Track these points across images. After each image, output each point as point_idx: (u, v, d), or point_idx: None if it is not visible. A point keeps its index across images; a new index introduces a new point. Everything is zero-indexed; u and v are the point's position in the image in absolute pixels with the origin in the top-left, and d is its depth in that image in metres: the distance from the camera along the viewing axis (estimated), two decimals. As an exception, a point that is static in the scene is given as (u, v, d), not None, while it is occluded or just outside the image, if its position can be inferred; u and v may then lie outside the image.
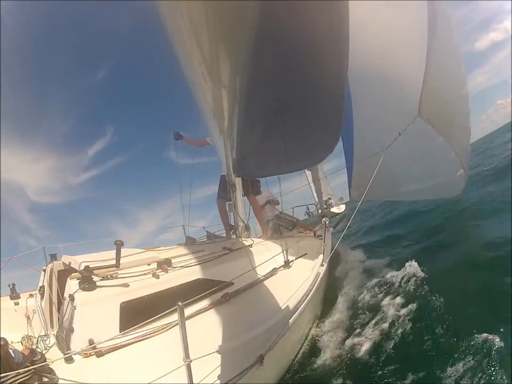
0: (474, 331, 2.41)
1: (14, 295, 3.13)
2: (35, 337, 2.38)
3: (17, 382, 1.19)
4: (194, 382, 1.52)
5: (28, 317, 2.77)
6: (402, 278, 3.62)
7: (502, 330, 2.36)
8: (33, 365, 1.37)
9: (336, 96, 2.85)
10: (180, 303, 1.44)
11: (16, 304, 3.04)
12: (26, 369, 1.26)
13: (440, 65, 4.03)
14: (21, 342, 2.37)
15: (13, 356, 1.32)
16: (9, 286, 3.18)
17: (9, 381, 1.16)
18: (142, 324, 1.76)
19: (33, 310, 2.81)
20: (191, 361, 1.46)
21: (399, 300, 3.26)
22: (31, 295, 3.09)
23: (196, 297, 2.17)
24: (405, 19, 3.84)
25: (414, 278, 3.51)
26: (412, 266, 3.71)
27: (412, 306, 3.05)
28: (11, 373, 1.18)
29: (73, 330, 1.90)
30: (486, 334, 2.34)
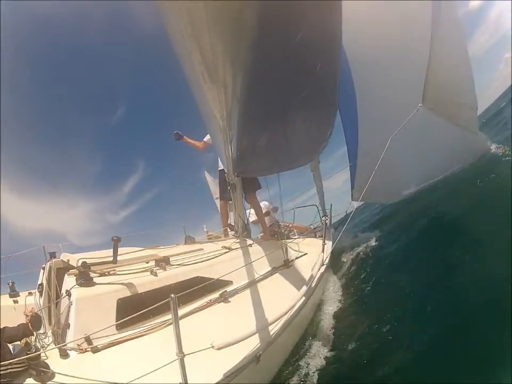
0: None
1: (13, 293, 3.13)
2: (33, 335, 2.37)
3: (8, 372, 1.19)
4: (190, 379, 1.50)
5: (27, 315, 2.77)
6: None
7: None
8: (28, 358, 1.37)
9: (330, 93, 2.88)
10: (172, 295, 1.43)
11: (16, 302, 3.04)
12: (17, 359, 1.26)
13: (445, 55, 4.08)
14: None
15: (12, 348, 1.32)
16: (8, 284, 3.18)
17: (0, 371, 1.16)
18: (135, 315, 1.74)
19: (32, 308, 2.81)
20: (184, 355, 1.44)
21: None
22: (30, 293, 3.09)
23: (193, 294, 2.16)
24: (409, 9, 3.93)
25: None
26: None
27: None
28: (1, 363, 1.18)
29: (69, 326, 1.89)
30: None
